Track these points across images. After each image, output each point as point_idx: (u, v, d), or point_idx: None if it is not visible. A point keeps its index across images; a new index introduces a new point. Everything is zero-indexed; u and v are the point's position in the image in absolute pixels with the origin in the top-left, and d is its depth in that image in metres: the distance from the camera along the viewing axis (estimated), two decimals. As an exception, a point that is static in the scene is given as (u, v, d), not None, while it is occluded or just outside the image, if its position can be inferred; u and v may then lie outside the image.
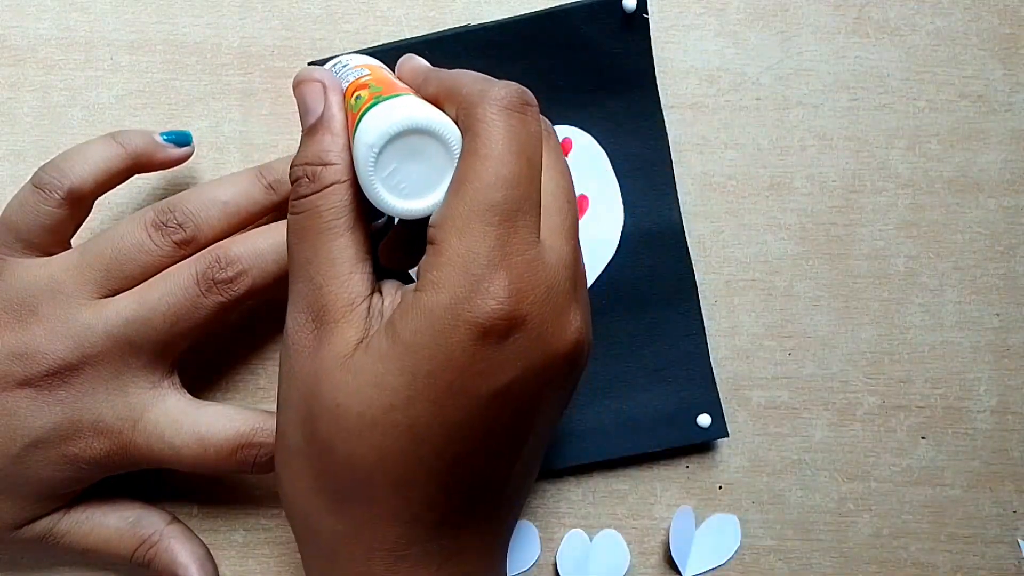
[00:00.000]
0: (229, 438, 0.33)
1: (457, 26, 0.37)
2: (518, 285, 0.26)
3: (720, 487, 0.38)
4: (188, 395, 0.34)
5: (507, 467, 0.29)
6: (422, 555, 0.28)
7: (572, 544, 0.37)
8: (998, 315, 0.38)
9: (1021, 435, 0.38)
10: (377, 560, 0.28)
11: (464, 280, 0.26)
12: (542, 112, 0.37)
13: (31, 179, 0.33)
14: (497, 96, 0.28)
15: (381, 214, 0.32)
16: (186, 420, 0.33)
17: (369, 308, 0.28)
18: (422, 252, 0.28)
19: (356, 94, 0.29)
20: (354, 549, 0.28)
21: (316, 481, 0.28)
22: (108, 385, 0.32)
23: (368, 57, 0.33)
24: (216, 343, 0.37)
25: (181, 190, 0.35)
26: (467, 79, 0.29)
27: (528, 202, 0.27)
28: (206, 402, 0.34)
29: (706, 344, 0.37)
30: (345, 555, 0.28)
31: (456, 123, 0.28)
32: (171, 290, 0.32)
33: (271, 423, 0.33)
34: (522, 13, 0.37)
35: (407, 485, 0.27)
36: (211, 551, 0.36)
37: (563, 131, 0.37)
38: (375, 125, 0.27)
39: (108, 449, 0.32)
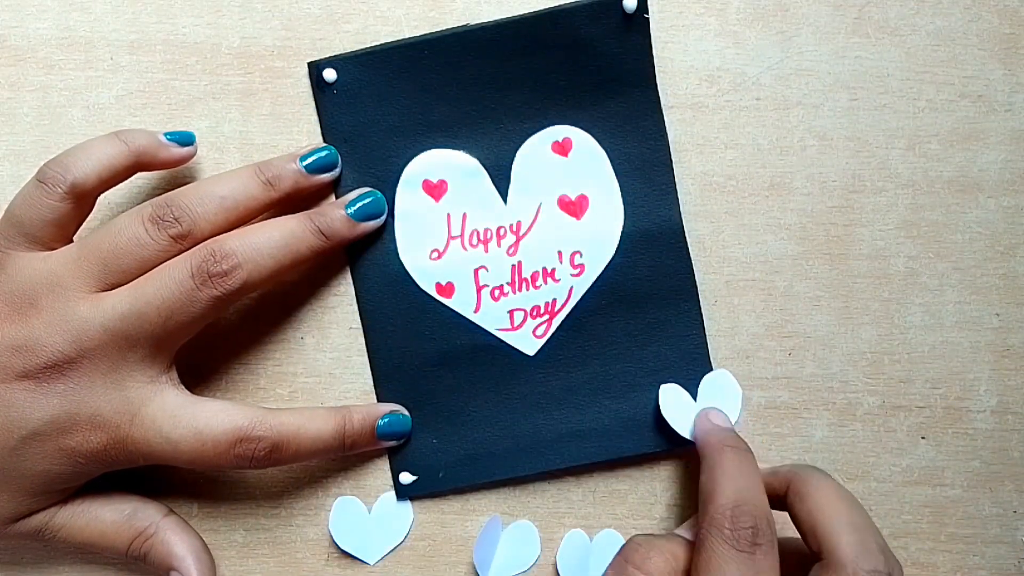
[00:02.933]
0: (227, 432, 0.33)
1: (457, 26, 0.37)
2: None
3: (720, 487, 0.38)
4: (186, 391, 0.34)
5: None
6: None
7: (572, 544, 0.37)
8: (998, 315, 0.38)
9: (1021, 435, 0.38)
10: None
11: None
12: (542, 112, 0.37)
13: (36, 174, 0.33)
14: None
15: None
16: (183, 415, 0.33)
17: None
18: None
19: None
20: None
21: None
22: (105, 379, 0.32)
23: None
24: (216, 343, 0.37)
25: (181, 190, 0.36)
26: (844, 529, 0.31)
27: None
28: (204, 398, 0.34)
29: (706, 344, 0.37)
30: None
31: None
32: (166, 284, 0.32)
33: (270, 418, 0.33)
34: (522, 13, 0.37)
35: None
36: (211, 551, 0.36)
37: (563, 131, 0.37)
38: None
39: (105, 443, 0.32)
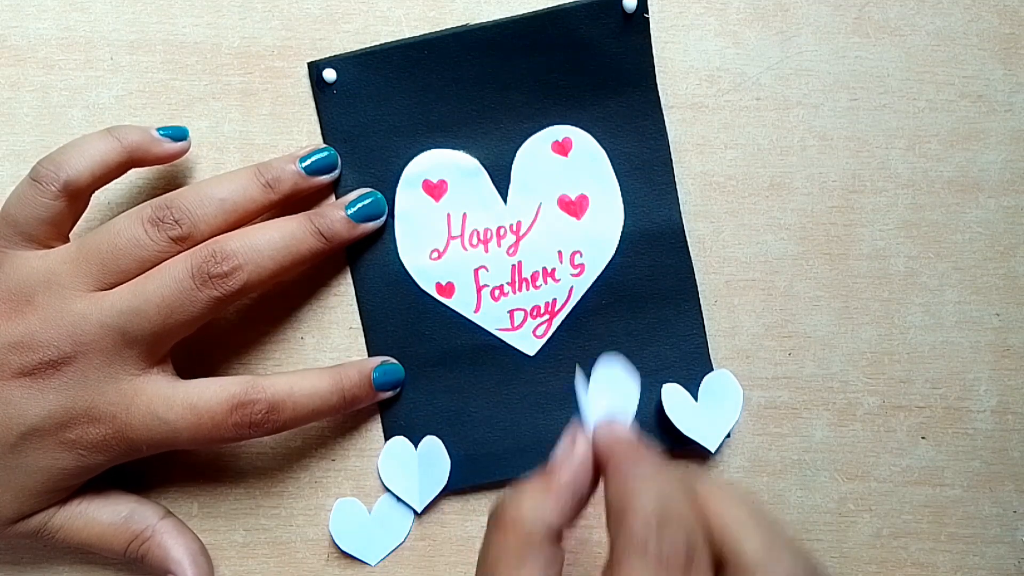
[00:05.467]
0: (222, 401, 0.33)
1: (457, 26, 0.37)
2: None
3: (720, 487, 0.38)
4: (178, 378, 0.34)
5: None
6: None
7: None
8: (998, 315, 0.38)
9: (1021, 435, 0.38)
10: None
11: None
12: (543, 112, 0.37)
13: (29, 173, 0.33)
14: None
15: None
16: (176, 395, 0.33)
17: None
18: None
19: None
20: None
21: None
22: (99, 374, 0.32)
23: None
24: (216, 343, 0.37)
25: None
26: (748, 530, 0.26)
27: None
28: (196, 379, 0.34)
29: (706, 344, 0.37)
30: None
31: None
32: (166, 283, 0.32)
33: (262, 381, 0.34)
34: (522, 13, 0.37)
35: None
36: (211, 551, 0.36)
37: (563, 131, 0.37)
38: None
39: (105, 435, 0.32)
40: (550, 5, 0.37)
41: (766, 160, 0.38)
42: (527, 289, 0.37)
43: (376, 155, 0.37)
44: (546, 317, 0.37)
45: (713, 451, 0.37)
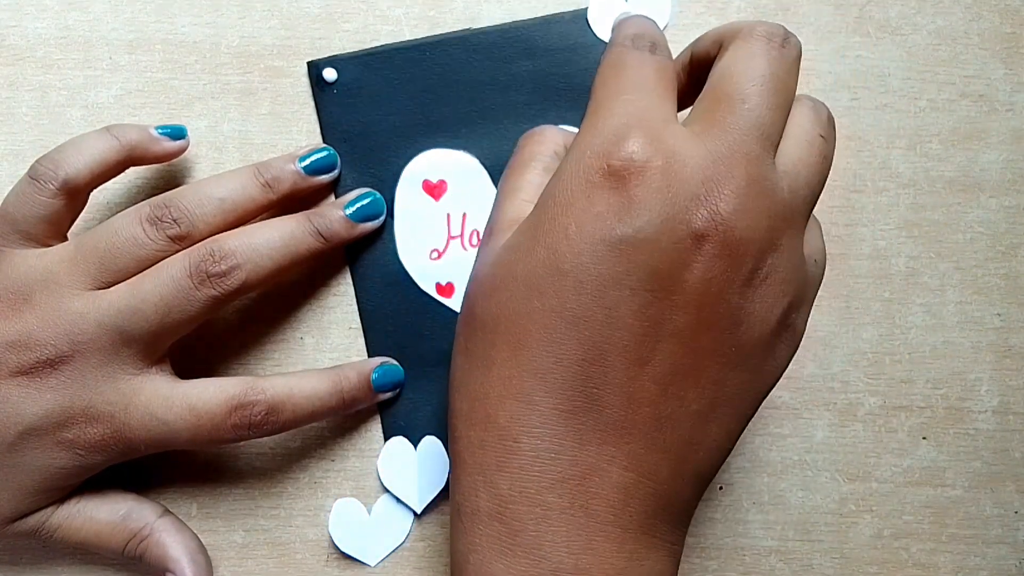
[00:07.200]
0: (221, 403, 0.33)
1: (459, 29, 0.37)
2: (663, 141, 0.26)
3: (720, 487, 0.38)
4: (177, 378, 0.34)
5: (634, 365, 0.25)
6: (534, 456, 0.26)
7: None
8: (999, 315, 0.38)
9: (1022, 435, 0.38)
10: (490, 450, 0.26)
11: (611, 126, 0.26)
12: (542, 112, 0.37)
13: (28, 171, 0.33)
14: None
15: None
16: (175, 395, 0.33)
17: None
18: None
19: None
20: (470, 427, 0.27)
21: (461, 345, 0.29)
22: (97, 373, 0.32)
23: None
24: (215, 343, 0.37)
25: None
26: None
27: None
28: (195, 380, 0.34)
29: (707, 344, 0.37)
30: (462, 440, 0.27)
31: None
32: (164, 281, 0.32)
33: (261, 383, 0.33)
34: (523, 19, 0.37)
35: (520, 346, 0.26)
36: (210, 552, 0.36)
37: (563, 131, 0.37)
38: None
39: (103, 434, 0.32)
40: (550, 6, 0.37)
41: (767, 160, 0.38)
42: (527, 289, 0.37)
43: (376, 155, 0.37)
44: (546, 317, 0.37)
45: None
